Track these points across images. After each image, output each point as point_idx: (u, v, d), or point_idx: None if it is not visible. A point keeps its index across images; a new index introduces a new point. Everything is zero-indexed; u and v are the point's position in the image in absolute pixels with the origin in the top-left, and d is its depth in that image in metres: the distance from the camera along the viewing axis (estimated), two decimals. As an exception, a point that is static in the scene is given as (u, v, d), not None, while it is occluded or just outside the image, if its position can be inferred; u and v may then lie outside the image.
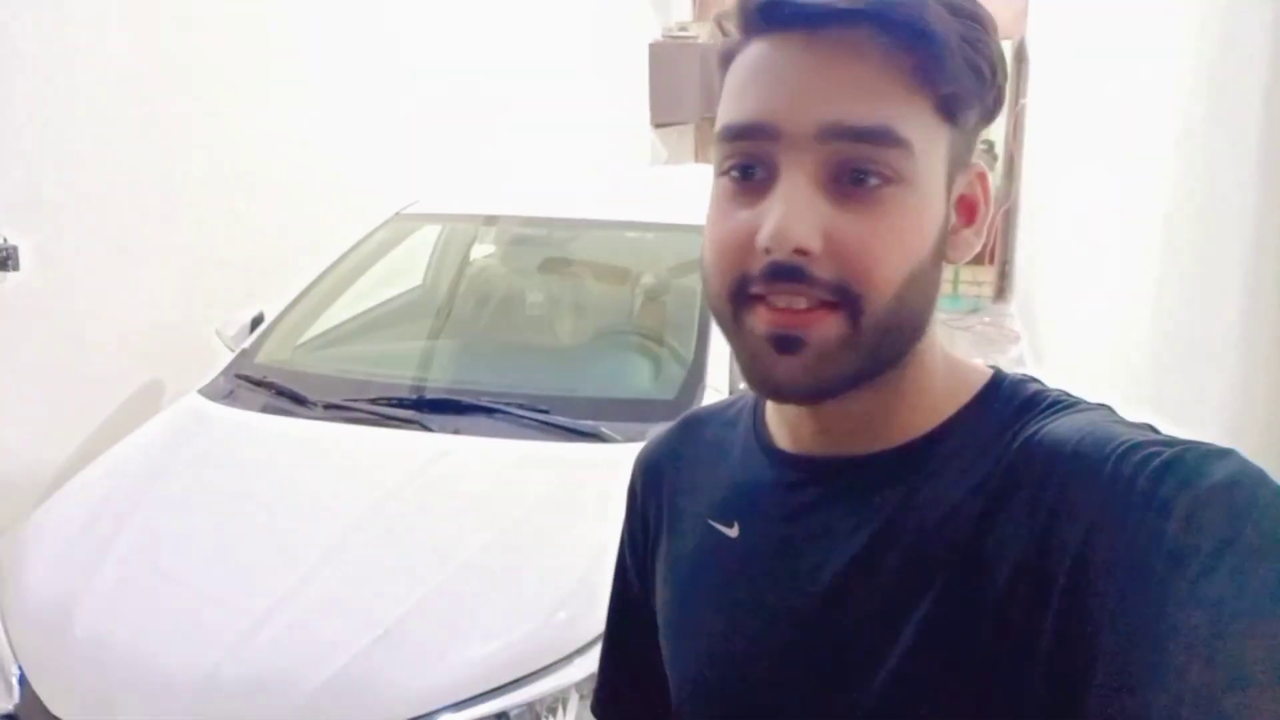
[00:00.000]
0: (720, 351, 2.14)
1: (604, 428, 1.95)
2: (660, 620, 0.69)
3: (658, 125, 6.62)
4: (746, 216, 0.53)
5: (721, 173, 0.56)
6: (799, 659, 0.58)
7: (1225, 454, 0.47)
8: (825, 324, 0.52)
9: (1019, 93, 5.97)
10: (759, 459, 0.64)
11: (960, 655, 0.51)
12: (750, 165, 0.54)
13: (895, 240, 0.52)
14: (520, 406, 2.04)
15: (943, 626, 0.52)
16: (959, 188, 0.57)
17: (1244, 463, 0.47)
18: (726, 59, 0.57)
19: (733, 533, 0.64)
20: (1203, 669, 0.41)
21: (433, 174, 3.35)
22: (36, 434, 2.43)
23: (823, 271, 0.51)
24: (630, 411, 2.03)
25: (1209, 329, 1.90)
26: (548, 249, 2.73)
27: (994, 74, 0.54)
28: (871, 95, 0.51)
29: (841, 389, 0.55)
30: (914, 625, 0.53)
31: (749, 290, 0.53)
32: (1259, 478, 0.46)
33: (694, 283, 2.39)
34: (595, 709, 0.79)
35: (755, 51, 0.55)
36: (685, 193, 3.10)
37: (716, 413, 0.72)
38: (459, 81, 4.24)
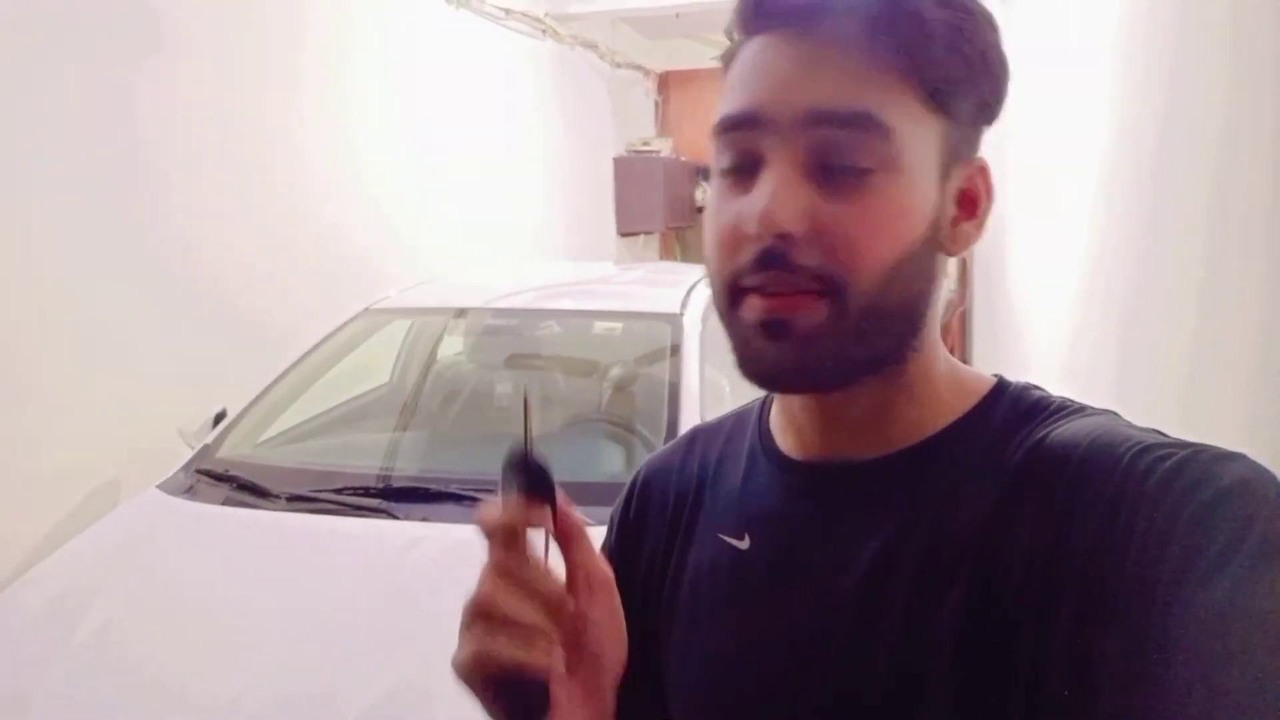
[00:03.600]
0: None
1: (576, 511, 1.92)
2: (665, 638, 0.66)
3: (623, 234, 6.80)
4: (737, 208, 0.54)
5: (718, 172, 0.57)
6: (820, 671, 0.56)
7: (1235, 457, 0.47)
8: (810, 310, 0.52)
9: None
10: (765, 468, 0.64)
11: (981, 657, 0.51)
12: (742, 159, 0.55)
13: (879, 227, 0.52)
14: (489, 491, 2.00)
15: (964, 631, 0.51)
16: (958, 181, 0.56)
17: (1254, 466, 0.47)
18: (727, 63, 0.58)
19: (743, 545, 0.62)
20: (1207, 670, 0.41)
21: (401, 277, 3.37)
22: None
23: (806, 258, 0.52)
24: (602, 494, 1.99)
25: (1164, 421, 1.94)
26: (516, 340, 2.74)
27: (988, 64, 0.55)
28: (855, 83, 0.52)
29: (836, 377, 0.55)
30: (936, 632, 0.52)
31: (742, 284, 0.54)
32: (1268, 481, 0.46)
33: (662, 372, 2.41)
34: None
35: (749, 49, 0.56)
36: (650, 283, 3.16)
37: (722, 424, 0.71)
38: (428, 191, 4.33)
